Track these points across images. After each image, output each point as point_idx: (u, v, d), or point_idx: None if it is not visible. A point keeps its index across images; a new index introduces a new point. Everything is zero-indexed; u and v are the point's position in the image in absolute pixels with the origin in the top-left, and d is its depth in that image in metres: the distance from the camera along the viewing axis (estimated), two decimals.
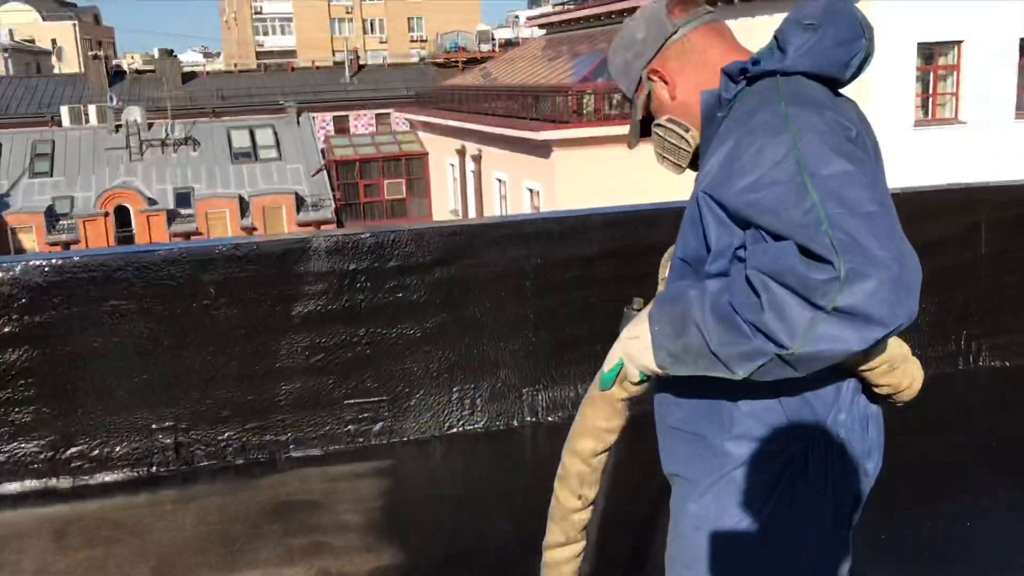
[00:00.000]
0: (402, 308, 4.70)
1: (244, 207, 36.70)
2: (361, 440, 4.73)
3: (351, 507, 4.10)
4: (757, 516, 1.58)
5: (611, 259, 4.90)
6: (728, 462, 1.59)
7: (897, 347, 1.59)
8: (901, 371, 1.61)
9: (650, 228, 4.87)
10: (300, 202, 37.38)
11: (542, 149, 24.81)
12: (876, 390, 1.64)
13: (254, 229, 35.95)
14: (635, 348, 1.55)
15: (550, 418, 4.95)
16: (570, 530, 1.69)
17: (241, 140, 39.32)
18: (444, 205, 35.99)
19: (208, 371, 4.48)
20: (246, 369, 4.52)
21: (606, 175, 21.96)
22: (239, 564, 3.62)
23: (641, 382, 1.61)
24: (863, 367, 1.55)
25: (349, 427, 4.70)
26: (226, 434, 4.55)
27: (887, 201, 1.39)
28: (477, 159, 30.44)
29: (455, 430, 4.83)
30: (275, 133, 39.80)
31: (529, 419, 4.93)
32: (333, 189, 38.59)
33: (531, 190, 26.62)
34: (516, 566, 3.55)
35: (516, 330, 4.86)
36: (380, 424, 4.74)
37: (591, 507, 1.71)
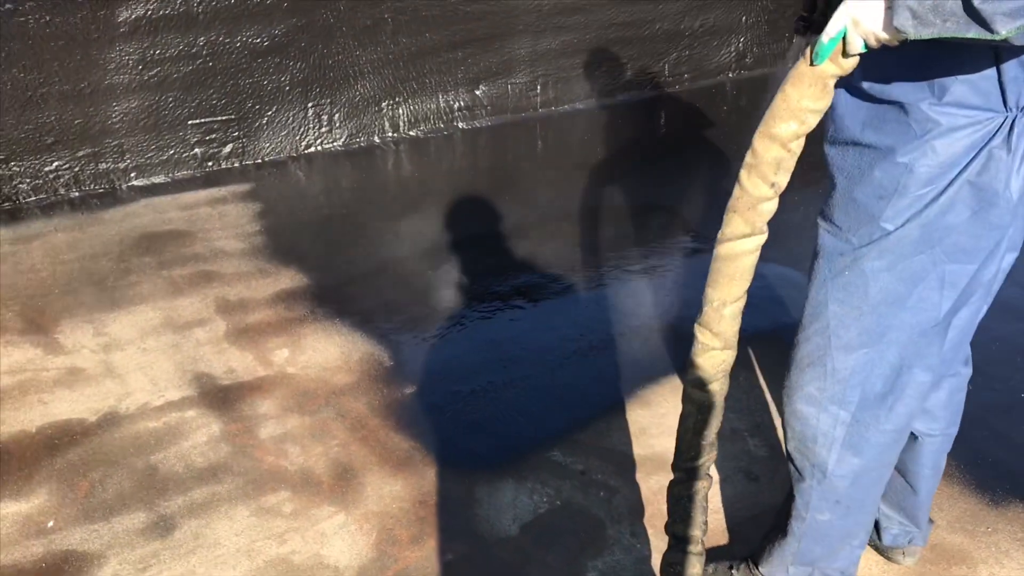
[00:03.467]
0: (245, 13, 4.14)
1: None
2: (211, 164, 4.30)
3: (224, 234, 3.77)
4: (950, 184, 1.51)
5: None
6: (931, 128, 1.50)
7: None
8: None
9: None
10: None
11: None
12: None
13: None
14: (865, 11, 1.35)
15: (412, 132, 4.71)
16: (757, 220, 1.50)
17: None
18: None
19: (23, 90, 3.80)
20: (70, 87, 3.88)
21: None
22: (122, 301, 3.27)
23: (861, 54, 1.41)
24: None
25: (196, 150, 4.24)
26: (54, 164, 3.96)
27: None
28: None
29: (313, 149, 4.50)
30: None
31: (390, 134, 4.66)
32: None
33: None
34: (412, 276, 3.48)
35: (373, 36, 4.46)
36: (231, 146, 4.31)
37: (777, 197, 1.54)
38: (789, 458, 1.88)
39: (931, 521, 2.22)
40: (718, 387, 1.64)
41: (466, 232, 3.83)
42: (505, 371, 2.92)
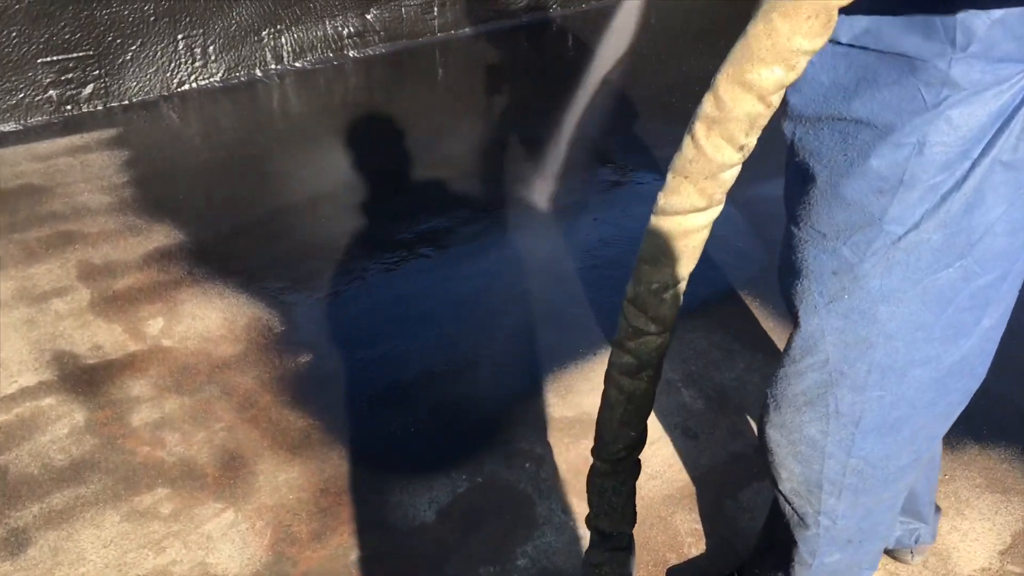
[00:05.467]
0: None
1: None
2: (70, 108, 3.81)
3: (87, 187, 3.33)
4: (974, 166, 1.17)
5: None
6: (948, 94, 1.13)
7: None
8: None
9: None
10: None
11: None
12: None
13: None
14: None
15: (297, 64, 4.27)
16: (716, 191, 1.12)
17: None
18: None
19: None
20: None
21: None
22: None
23: None
24: None
25: (51, 92, 3.74)
26: None
27: None
28: None
29: (186, 86, 4.03)
30: None
31: (273, 66, 4.22)
32: None
33: None
34: (303, 226, 3.12)
35: None
36: (91, 86, 3.82)
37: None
38: (785, 500, 1.56)
39: (938, 510, 1.94)
40: (652, 374, 1.32)
41: (363, 174, 3.47)
42: (414, 331, 2.62)
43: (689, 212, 1.14)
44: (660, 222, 1.16)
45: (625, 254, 2.92)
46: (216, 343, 2.54)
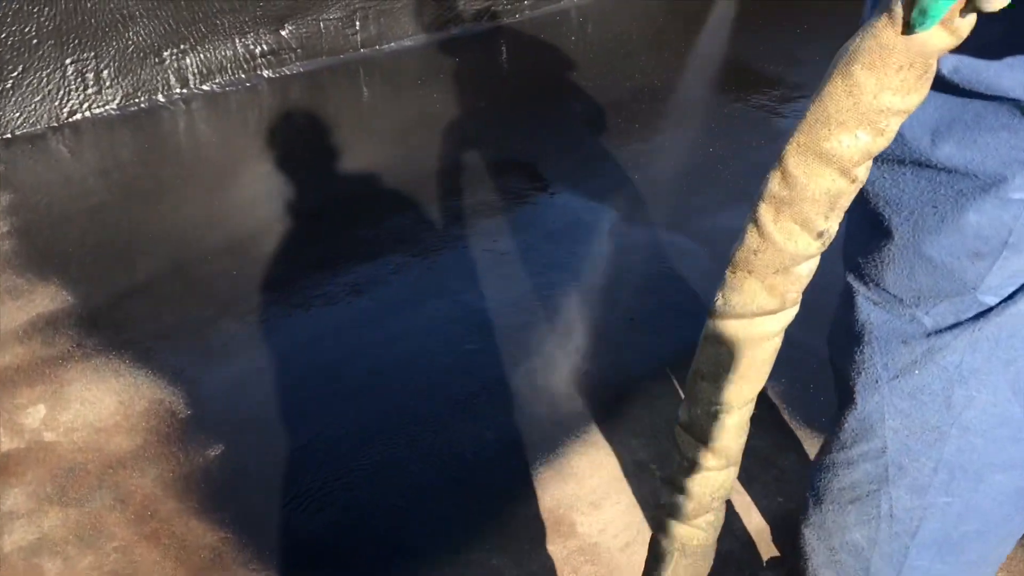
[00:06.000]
0: None
1: None
2: None
3: None
4: None
5: None
6: None
7: None
8: None
9: None
10: None
11: None
12: None
13: None
14: None
15: (205, 87, 3.86)
16: (789, 289, 0.92)
17: None
18: None
19: None
20: None
21: None
22: None
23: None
24: None
25: None
26: None
27: None
28: None
29: (79, 115, 3.60)
30: None
31: (178, 91, 3.80)
32: None
33: None
34: (213, 280, 2.74)
35: None
36: None
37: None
38: None
39: None
40: (712, 519, 1.08)
41: (282, 212, 3.10)
42: (346, 408, 2.26)
43: (756, 315, 0.93)
44: (720, 327, 0.95)
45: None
46: (109, 435, 2.16)
